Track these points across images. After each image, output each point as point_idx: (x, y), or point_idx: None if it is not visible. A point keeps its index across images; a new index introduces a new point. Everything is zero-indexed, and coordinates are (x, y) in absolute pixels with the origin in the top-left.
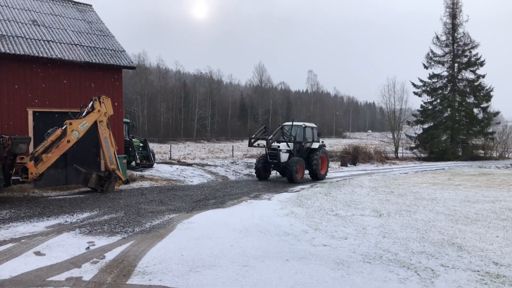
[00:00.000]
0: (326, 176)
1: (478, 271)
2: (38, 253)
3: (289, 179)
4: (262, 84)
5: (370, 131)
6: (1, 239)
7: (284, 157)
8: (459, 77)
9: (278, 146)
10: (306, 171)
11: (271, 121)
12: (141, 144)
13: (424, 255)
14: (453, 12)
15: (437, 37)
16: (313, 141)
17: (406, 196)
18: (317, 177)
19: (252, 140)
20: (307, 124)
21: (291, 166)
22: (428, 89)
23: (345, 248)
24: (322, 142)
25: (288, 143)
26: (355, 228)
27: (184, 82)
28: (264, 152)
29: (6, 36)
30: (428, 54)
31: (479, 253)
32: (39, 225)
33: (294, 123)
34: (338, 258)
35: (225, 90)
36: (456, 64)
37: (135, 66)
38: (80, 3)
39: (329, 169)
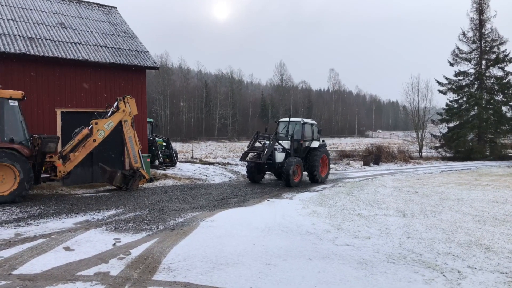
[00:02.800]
0: (353, 176)
1: (506, 273)
2: (67, 249)
3: (285, 182)
4: (282, 83)
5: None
6: (32, 235)
7: (279, 157)
8: (486, 74)
9: None
10: (305, 173)
11: None
12: (164, 143)
13: (450, 256)
14: (480, 8)
15: (464, 34)
16: (312, 139)
17: (431, 196)
18: (317, 180)
19: (246, 153)
20: (306, 120)
21: (288, 168)
22: (453, 87)
23: (368, 248)
24: (323, 141)
25: (283, 142)
26: (379, 228)
27: (205, 82)
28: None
29: (35, 39)
30: (454, 51)
31: (507, 255)
32: (68, 222)
33: (292, 119)
34: (362, 258)
35: (245, 90)
36: (483, 61)
37: (158, 66)
38: (105, 6)
39: (353, 169)
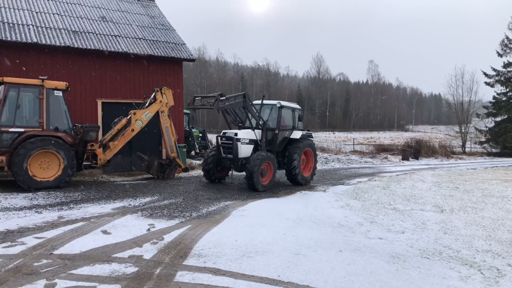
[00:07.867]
0: (390, 170)
1: None
2: (105, 232)
3: (249, 184)
4: (319, 75)
5: (439, 127)
6: (73, 218)
7: (244, 150)
8: None
9: (236, 134)
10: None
11: (329, 112)
12: (200, 135)
13: (490, 254)
14: None
15: None
16: (293, 128)
17: (472, 193)
18: (297, 180)
19: (197, 98)
20: (284, 103)
21: (252, 165)
22: (502, 78)
23: (401, 242)
24: (308, 130)
25: (254, 131)
26: (414, 223)
27: (241, 74)
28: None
29: (78, 32)
30: (503, 40)
31: None
32: (106, 207)
33: (266, 101)
34: (394, 251)
35: (281, 82)
36: None
37: (194, 58)
38: None
39: (391, 163)
